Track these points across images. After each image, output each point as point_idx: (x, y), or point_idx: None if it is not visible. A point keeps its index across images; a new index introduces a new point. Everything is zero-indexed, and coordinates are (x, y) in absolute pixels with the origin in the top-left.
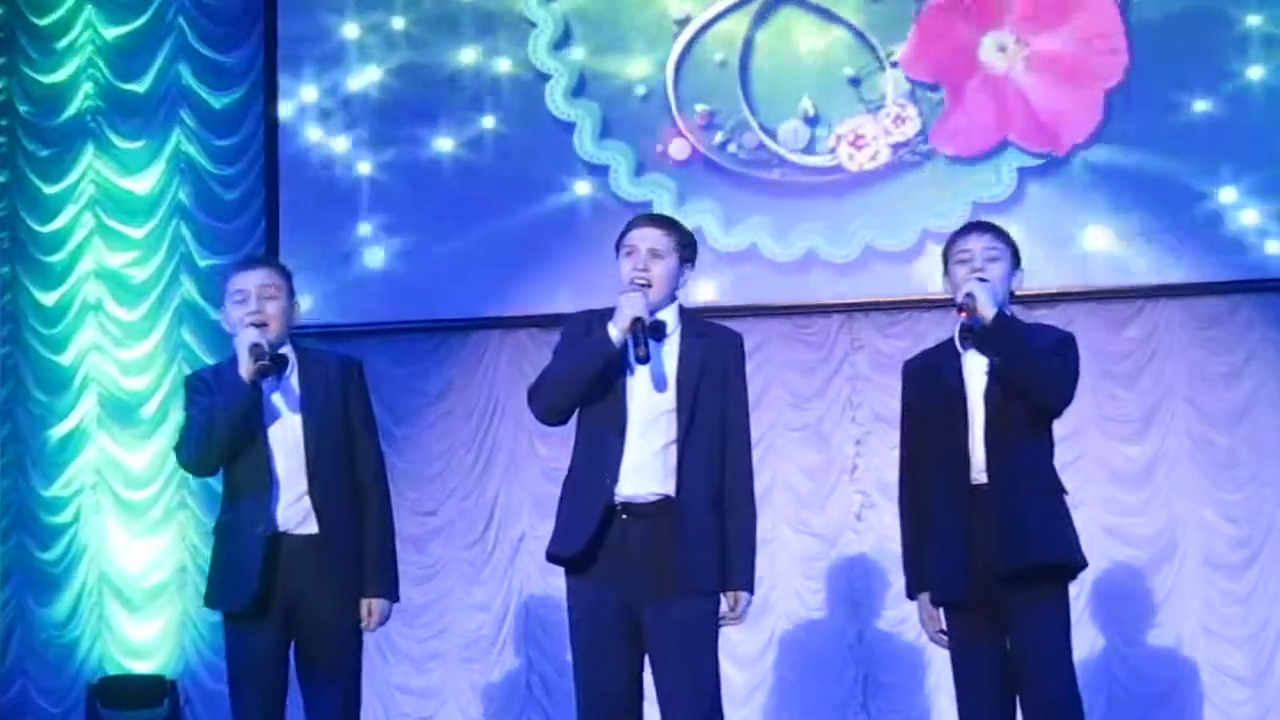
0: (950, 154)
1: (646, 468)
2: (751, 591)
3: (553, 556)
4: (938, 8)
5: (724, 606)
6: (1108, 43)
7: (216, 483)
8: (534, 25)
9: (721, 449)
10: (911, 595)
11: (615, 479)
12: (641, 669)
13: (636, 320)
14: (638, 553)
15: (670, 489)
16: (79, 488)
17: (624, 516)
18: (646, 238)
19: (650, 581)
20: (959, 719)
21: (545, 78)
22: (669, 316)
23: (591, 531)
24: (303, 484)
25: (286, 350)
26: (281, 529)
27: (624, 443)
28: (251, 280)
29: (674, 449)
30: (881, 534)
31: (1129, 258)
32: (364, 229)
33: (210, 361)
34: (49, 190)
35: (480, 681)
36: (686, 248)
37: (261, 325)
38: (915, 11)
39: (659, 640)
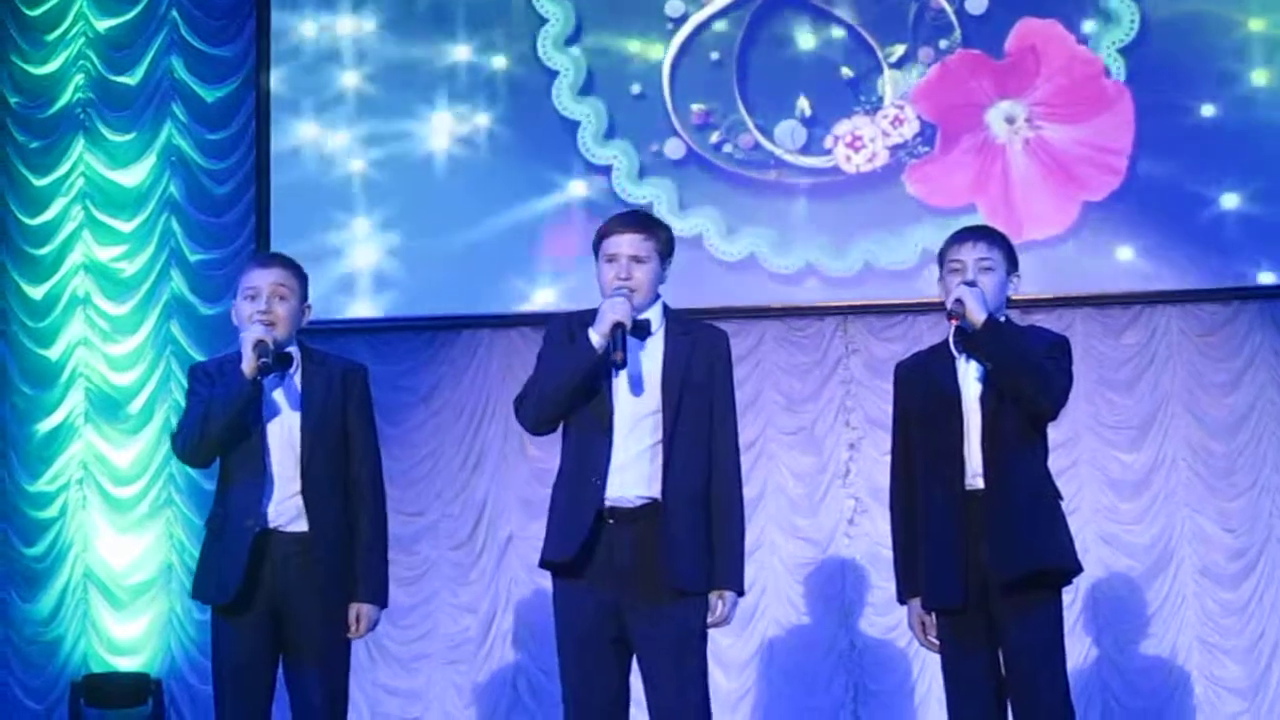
0: (917, 196)
1: (633, 469)
2: (739, 592)
3: (546, 562)
4: (970, 58)
5: (711, 607)
6: (1110, 159)
7: (203, 480)
8: (544, 20)
9: (708, 449)
10: (902, 600)
11: (604, 481)
12: (628, 674)
13: (618, 325)
14: (625, 560)
15: (656, 491)
16: (65, 483)
17: (611, 522)
18: (627, 244)
19: (638, 587)
20: None
21: (552, 74)
22: (653, 315)
23: (583, 536)
24: (296, 482)
25: (292, 350)
26: (272, 525)
27: (611, 444)
28: (265, 279)
29: (660, 450)
30: (874, 540)
31: (1128, 263)
32: (355, 225)
33: (198, 357)
34: (38, 182)
35: (466, 683)
36: (666, 245)
37: (270, 324)
38: (944, 53)
39: (647, 646)
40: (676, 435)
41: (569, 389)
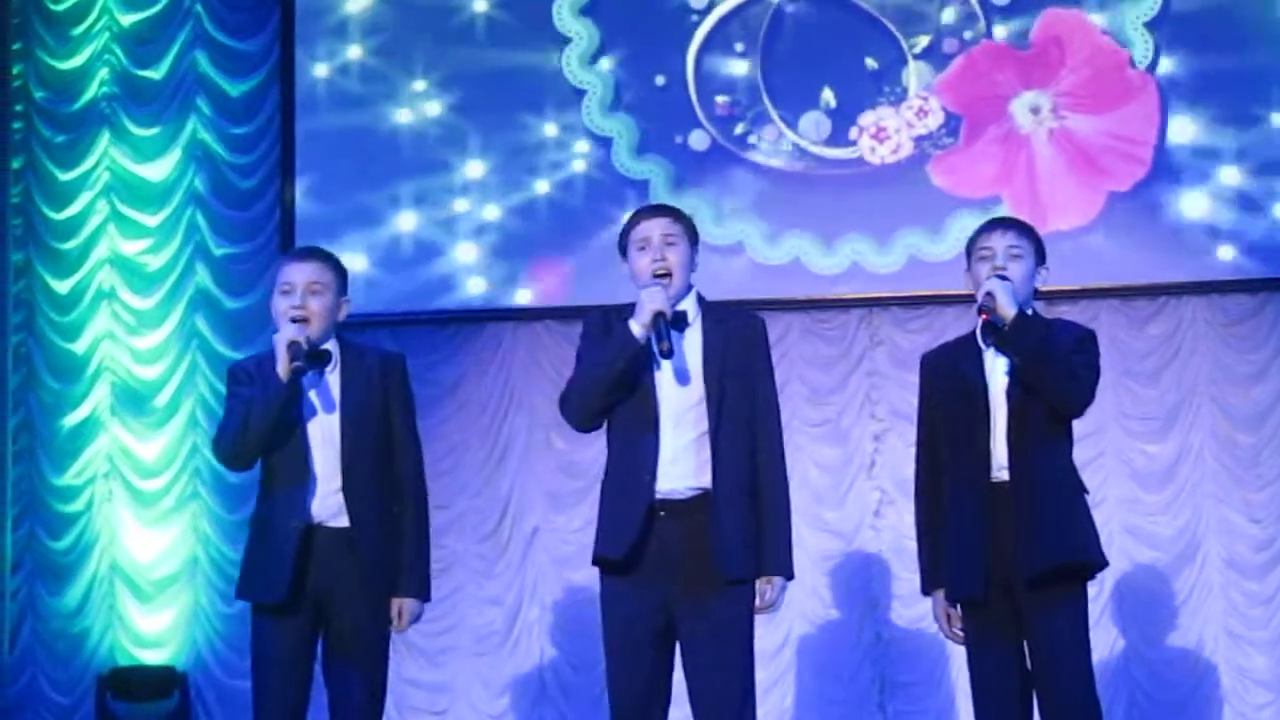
0: (942, 186)
1: (682, 461)
2: (788, 576)
3: (599, 559)
4: (994, 49)
5: (759, 593)
6: (1135, 149)
7: (229, 474)
8: None
9: (753, 435)
10: (927, 591)
11: (654, 475)
12: (672, 668)
13: (659, 314)
14: (675, 553)
15: (706, 481)
16: (91, 476)
17: (662, 514)
18: (658, 227)
19: (687, 578)
20: (975, 719)
21: (567, 41)
22: (689, 305)
23: (635, 531)
24: (337, 479)
25: (330, 345)
26: (315, 521)
27: (658, 438)
28: (300, 274)
29: (707, 440)
30: (900, 531)
31: (1154, 254)
32: (380, 219)
33: (223, 350)
34: (64, 177)
35: (492, 676)
36: (692, 229)
37: (303, 321)
38: (969, 44)
39: (694, 637)
40: (722, 424)
41: (611, 382)
